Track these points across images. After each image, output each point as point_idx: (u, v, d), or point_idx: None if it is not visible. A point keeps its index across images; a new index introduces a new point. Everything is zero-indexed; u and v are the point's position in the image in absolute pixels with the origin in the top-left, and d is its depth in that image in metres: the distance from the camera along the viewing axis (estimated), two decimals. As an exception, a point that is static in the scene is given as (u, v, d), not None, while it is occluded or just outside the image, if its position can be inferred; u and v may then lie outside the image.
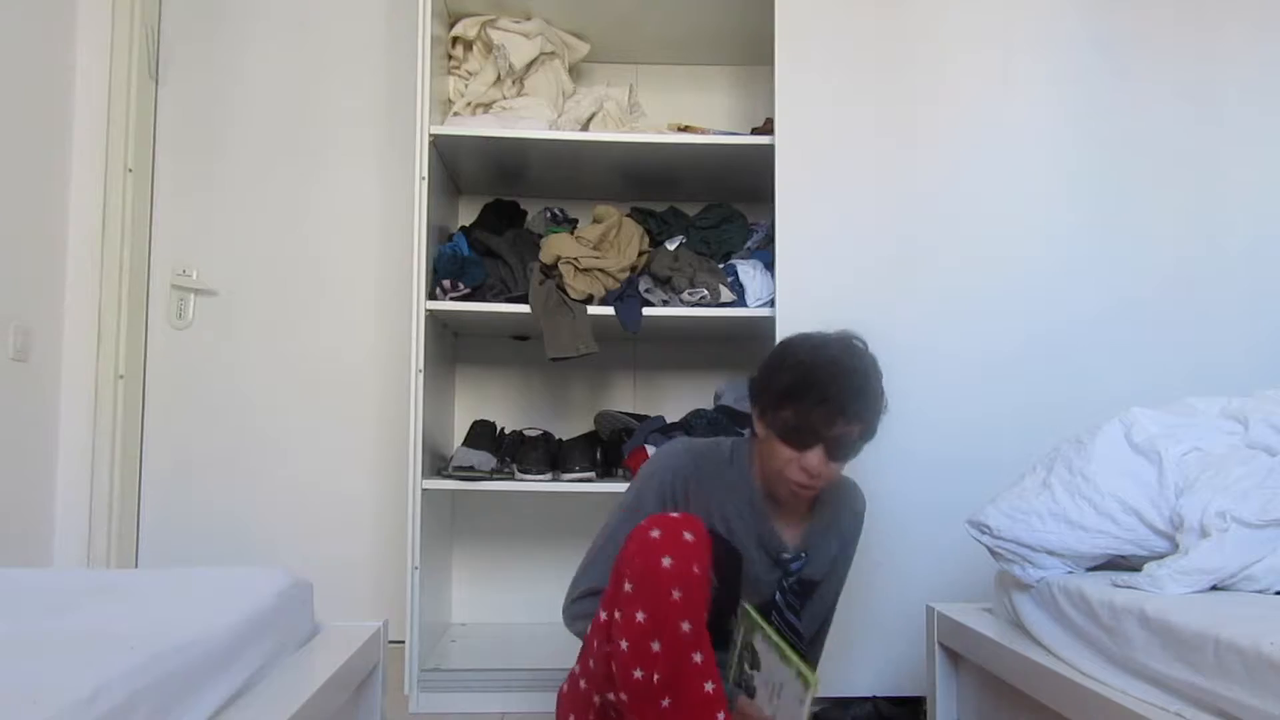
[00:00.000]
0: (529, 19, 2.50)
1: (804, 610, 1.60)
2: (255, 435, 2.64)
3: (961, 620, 1.71)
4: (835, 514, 1.64)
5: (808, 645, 1.64)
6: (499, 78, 2.46)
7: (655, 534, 1.30)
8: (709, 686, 1.28)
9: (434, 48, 2.32)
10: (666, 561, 1.26)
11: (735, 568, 1.53)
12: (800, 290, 2.16)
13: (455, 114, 2.46)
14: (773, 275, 2.22)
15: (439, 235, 2.43)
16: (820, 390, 1.41)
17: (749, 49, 2.64)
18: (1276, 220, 2.23)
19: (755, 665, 1.38)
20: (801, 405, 1.42)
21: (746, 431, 1.80)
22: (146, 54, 2.59)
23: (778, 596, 1.57)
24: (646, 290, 2.31)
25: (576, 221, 2.54)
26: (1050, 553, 1.56)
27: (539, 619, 2.61)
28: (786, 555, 1.56)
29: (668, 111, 2.61)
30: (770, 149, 2.21)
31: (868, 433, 1.48)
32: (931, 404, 2.13)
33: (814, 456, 1.44)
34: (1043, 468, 1.68)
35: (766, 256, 2.31)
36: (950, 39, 2.25)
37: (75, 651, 0.94)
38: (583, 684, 1.40)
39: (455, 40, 2.53)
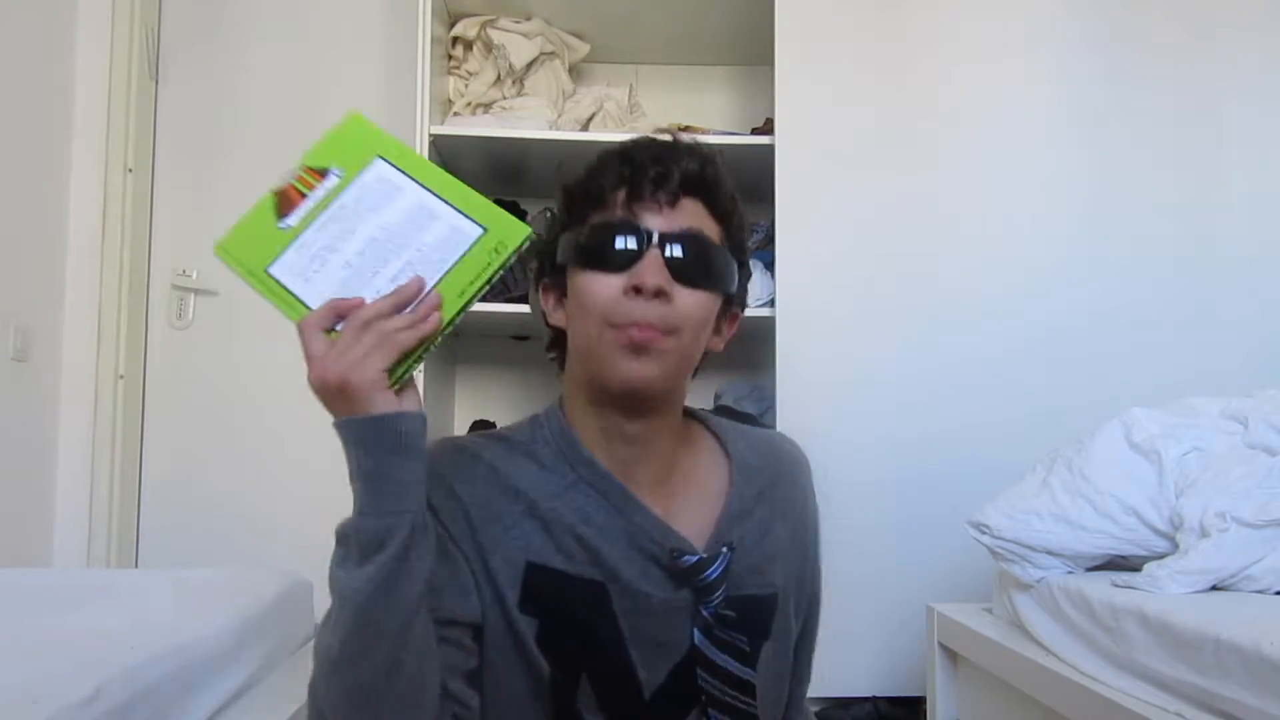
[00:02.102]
0: (529, 19, 2.50)
1: (761, 659, 0.88)
2: (255, 435, 2.64)
3: (961, 620, 1.71)
4: (763, 479, 0.93)
5: None
6: (499, 78, 2.46)
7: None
8: None
9: (434, 48, 2.32)
10: None
11: (596, 610, 0.84)
12: (800, 290, 2.16)
13: (455, 114, 2.46)
14: (772, 275, 2.22)
15: (439, 235, 2.43)
16: (618, 153, 0.87)
17: (749, 49, 2.64)
18: (1276, 221, 2.24)
19: None
20: (595, 179, 0.86)
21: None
22: (146, 54, 2.59)
23: (697, 638, 0.85)
24: (646, 290, 2.31)
25: (576, 221, 2.54)
26: (1050, 553, 1.56)
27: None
28: (690, 558, 0.84)
29: (668, 111, 2.61)
30: (770, 149, 2.21)
31: (727, 221, 0.88)
32: (932, 403, 2.13)
33: (642, 262, 0.81)
34: (1043, 468, 1.68)
35: (766, 256, 2.31)
36: (950, 40, 2.25)
37: (75, 651, 0.94)
38: None
39: (455, 40, 2.53)
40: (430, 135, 2.26)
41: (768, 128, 2.36)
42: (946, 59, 2.24)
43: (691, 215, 0.84)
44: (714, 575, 0.85)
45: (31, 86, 2.35)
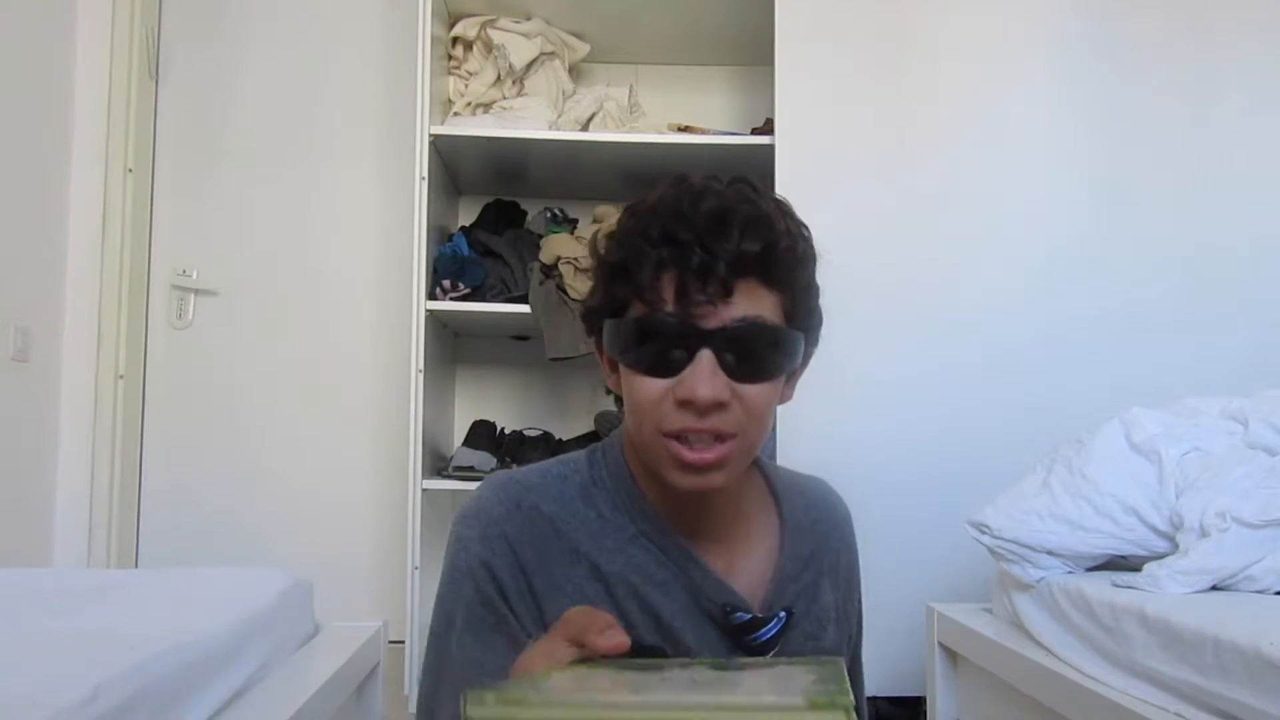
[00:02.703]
0: (529, 19, 2.50)
1: None
2: (255, 435, 2.64)
3: (961, 620, 1.71)
4: (813, 541, 0.90)
5: None
6: (499, 78, 2.46)
7: None
8: None
9: (434, 48, 2.32)
10: None
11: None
12: (800, 290, 2.16)
13: (455, 114, 2.46)
14: (773, 275, 2.22)
15: (439, 235, 2.43)
16: (660, 228, 0.72)
17: (749, 49, 2.64)
18: (1276, 220, 2.23)
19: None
20: (639, 261, 0.73)
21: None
22: (146, 54, 2.59)
23: None
24: (646, 290, 2.31)
25: (576, 221, 2.54)
26: (1050, 553, 1.56)
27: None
28: (742, 615, 0.81)
29: (668, 111, 2.61)
30: (770, 149, 2.21)
31: (791, 290, 0.75)
32: (932, 403, 2.13)
33: (692, 368, 0.71)
34: (1042, 468, 1.68)
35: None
36: (950, 40, 2.25)
37: (75, 651, 0.94)
38: None
39: (455, 40, 2.53)
40: (430, 135, 2.26)
41: (767, 128, 2.36)
42: (946, 59, 2.24)
43: (746, 300, 0.71)
44: (767, 637, 0.80)
45: (31, 86, 2.35)
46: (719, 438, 0.73)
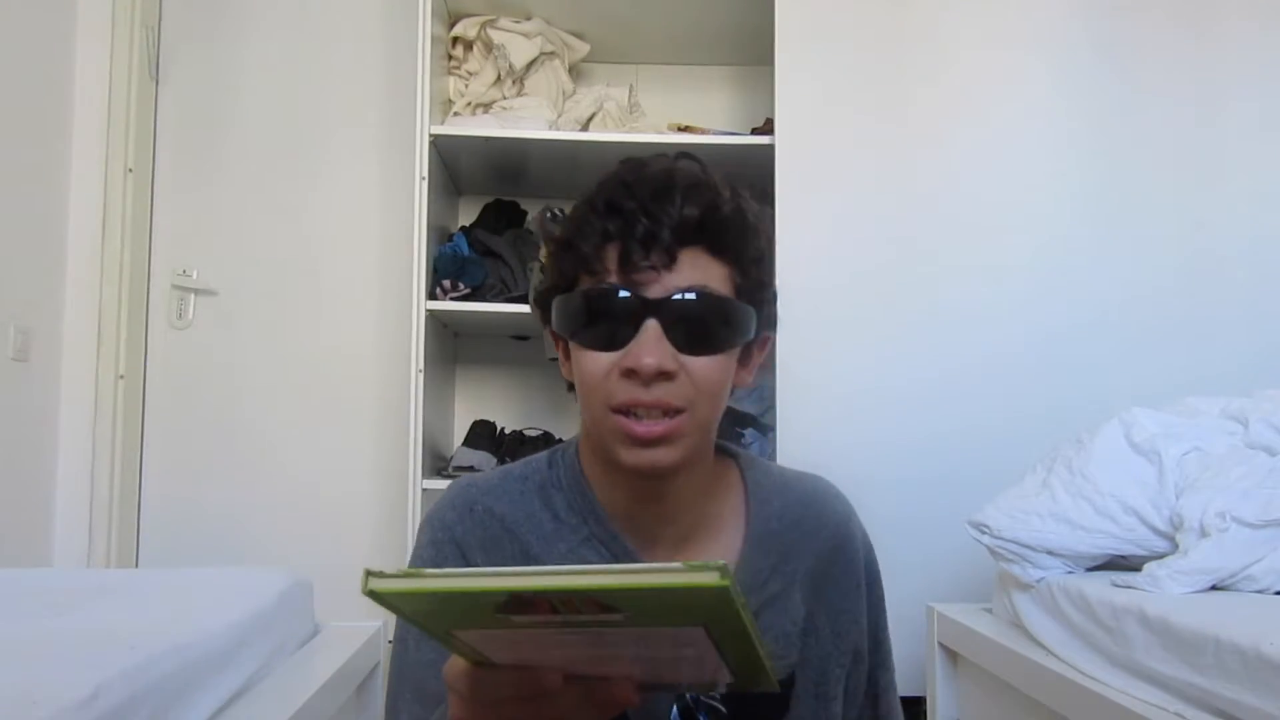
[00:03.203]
0: (529, 19, 2.50)
1: None
2: (255, 435, 2.64)
3: (961, 620, 1.71)
4: (782, 547, 0.82)
5: None
6: (499, 78, 2.46)
7: None
8: None
9: (434, 48, 2.32)
10: None
11: None
12: (799, 290, 2.16)
13: (455, 114, 2.46)
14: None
15: (439, 235, 2.43)
16: (605, 199, 0.73)
17: (749, 49, 2.64)
18: (1276, 220, 2.23)
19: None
20: (579, 236, 0.73)
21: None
22: (146, 54, 2.59)
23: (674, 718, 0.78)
24: (646, 290, 2.31)
25: (576, 221, 2.54)
26: (1050, 553, 1.56)
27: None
28: None
29: (668, 111, 2.61)
30: (770, 149, 2.21)
31: (739, 261, 0.74)
32: (931, 402, 2.13)
33: (638, 338, 0.70)
34: (1043, 467, 1.68)
35: (766, 256, 2.31)
36: (951, 40, 2.25)
37: (75, 651, 0.94)
38: None
39: (455, 40, 2.53)
40: (430, 135, 2.26)
41: (767, 128, 2.36)
42: (947, 59, 2.24)
43: (692, 269, 0.71)
44: None
45: (31, 86, 2.35)
46: (667, 412, 0.70)
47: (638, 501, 0.78)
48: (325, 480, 2.65)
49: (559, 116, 2.46)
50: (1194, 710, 1.14)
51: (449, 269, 2.27)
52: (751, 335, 0.75)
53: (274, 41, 2.71)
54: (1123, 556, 1.56)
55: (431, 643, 0.75)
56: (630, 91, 2.58)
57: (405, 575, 0.45)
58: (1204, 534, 1.42)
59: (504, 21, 2.48)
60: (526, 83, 2.49)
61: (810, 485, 0.88)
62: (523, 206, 2.64)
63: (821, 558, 0.83)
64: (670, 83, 2.78)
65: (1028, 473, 1.69)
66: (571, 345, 0.75)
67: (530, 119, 2.38)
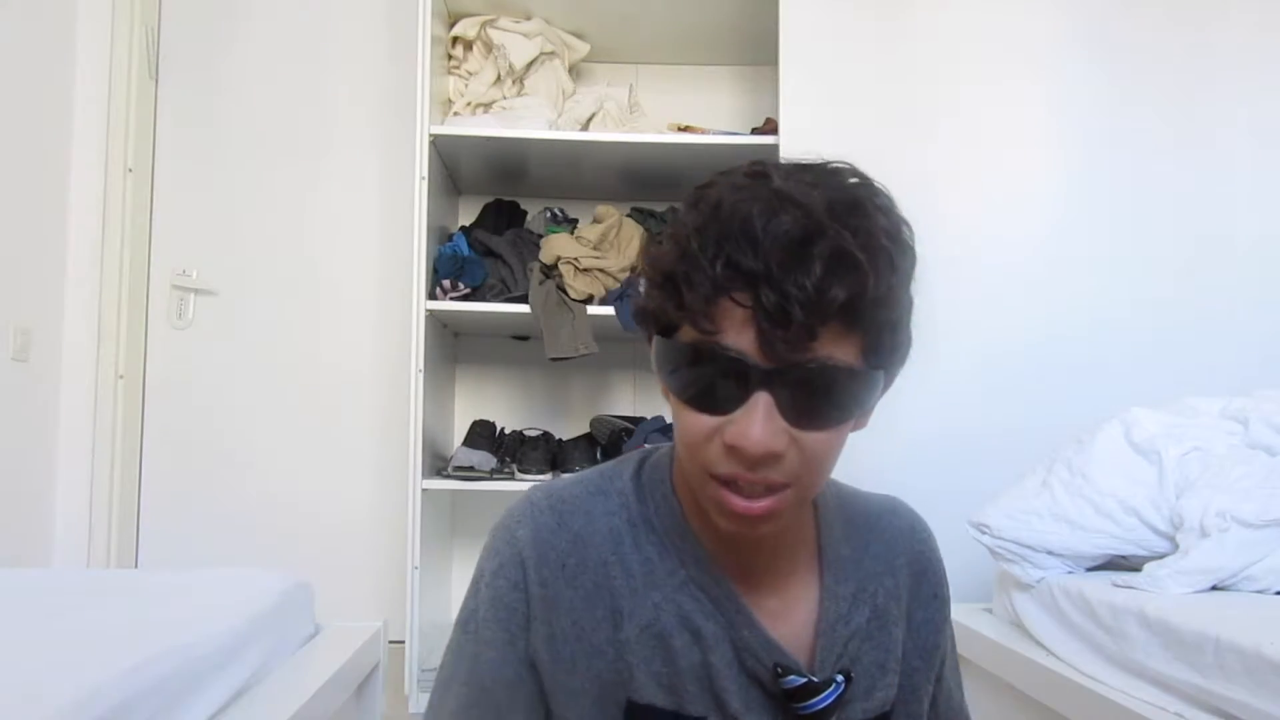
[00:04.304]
0: (529, 19, 2.50)
1: None
2: (255, 435, 2.64)
3: (962, 620, 1.71)
4: (860, 572, 0.76)
5: None
6: (499, 78, 2.46)
7: None
8: None
9: (434, 48, 2.32)
10: None
11: None
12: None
13: (455, 114, 2.46)
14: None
15: (439, 235, 2.43)
16: (724, 237, 0.60)
17: (749, 49, 2.64)
18: (1276, 221, 2.24)
19: None
20: (690, 280, 0.61)
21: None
22: (146, 54, 2.59)
23: None
24: (646, 290, 2.31)
25: (576, 221, 2.54)
26: (1050, 553, 1.56)
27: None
28: (794, 680, 0.70)
29: (668, 111, 2.61)
30: (771, 149, 2.21)
31: (876, 329, 0.62)
32: (931, 403, 2.13)
33: (745, 411, 0.60)
34: (1043, 467, 1.68)
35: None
36: (953, 40, 2.25)
37: (75, 651, 0.94)
38: None
39: (455, 40, 2.53)
40: (430, 135, 2.26)
41: (768, 128, 2.36)
42: (950, 60, 2.24)
43: (821, 343, 0.59)
44: (821, 705, 0.69)
45: (32, 86, 2.35)
46: (771, 488, 0.62)
47: (732, 539, 0.70)
48: (325, 480, 2.65)
49: (559, 116, 2.46)
50: (1194, 710, 1.14)
51: (449, 269, 2.27)
52: (876, 400, 0.65)
53: (274, 42, 2.71)
54: (1123, 556, 1.56)
55: (489, 644, 0.71)
56: (630, 91, 2.58)
57: None
58: (1204, 534, 1.42)
59: (504, 21, 2.48)
60: (526, 83, 2.49)
61: (876, 504, 0.81)
62: (523, 206, 2.64)
63: (900, 576, 0.77)
64: (670, 83, 2.78)
65: (1028, 473, 1.69)
66: (673, 397, 0.65)
67: (530, 119, 2.38)
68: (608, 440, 2.41)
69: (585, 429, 2.56)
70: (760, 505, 0.62)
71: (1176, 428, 1.64)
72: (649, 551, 0.71)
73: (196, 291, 2.64)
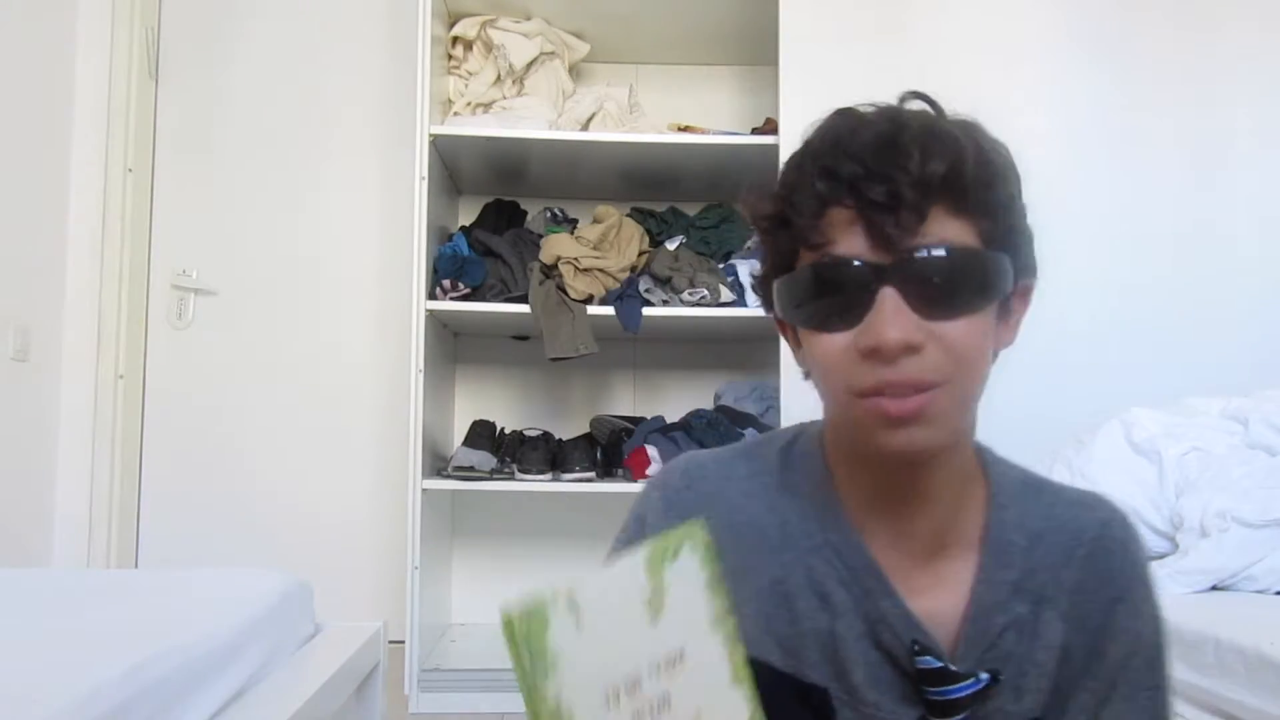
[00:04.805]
0: (529, 19, 2.50)
1: None
2: (255, 435, 2.64)
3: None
4: (1025, 562, 0.70)
5: None
6: (499, 78, 2.46)
7: None
8: None
9: (434, 48, 2.32)
10: None
11: None
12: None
13: (455, 114, 2.46)
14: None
15: (439, 235, 2.43)
16: (821, 160, 0.63)
17: (749, 49, 2.64)
18: (1276, 220, 2.24)
19: None
20: (794, 200, 0.64)
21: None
22: (146, 54, 2.59)
23: None
24: (646, 290, 2.31)
25: (576, 221, 2.54)
26: (1050, 553, 1.56)
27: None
28: (930, 661, 0.67)
29: (668, 111, 2.61)
30: (770, 149, 2.21)
31: (987, 212, 0.63)
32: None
33: (874, 312, 0.61)
34: (1042, 468, 1.68)
35: (767, 256, 2.31)
36: (952, 40, 2.25)
37: (75, 651, 0.94)
38: None
39: (455, 40, 2.53)
40: (430, 135, 2.26)
41: (768, 127, 2.36)
42: (950, 59, 2.24)
43: (934, 225, 0.60)
44: (958, 695, 0.65)
45: (32, 86, 2.35)
46: (919, 388, 0.60)
47: (887, 499, 0.69)
48: (325, 480, 2.65)
49: (559, 116, 2.46)
50: (1194, 710, 1.14)
51: (449, 269, 2.27)
52: (1008, 287, 0.64)
53: (274, 42, 2.71)
54: (1123, 556, 1.56)
55: None
56: (630, 91, 2.58)
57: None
58: (1204, 534, 1.42)
59: (504, 21, 2.48)
60: (526, 83, 2.49)
61: (1070, 497, 0.74)
62: (523, 206, 2.64)
63: (1077, 572, 0.69)
64: (670, 83, 2.78)
65: (1028, 473, 1.69)
66: (801, 332, 0.66)
67: (530, 119, 2.38)
68: (608, 440, 2.41)
69: (585, 429, 2.56)
70: (912, 402, 0.60)
71: (1176, 428, 1.64)
72: (787, 514, 0.71)
73: (196, 291, 2.64)
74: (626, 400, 2.77)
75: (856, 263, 0.60)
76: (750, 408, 2.43)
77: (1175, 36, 2.26)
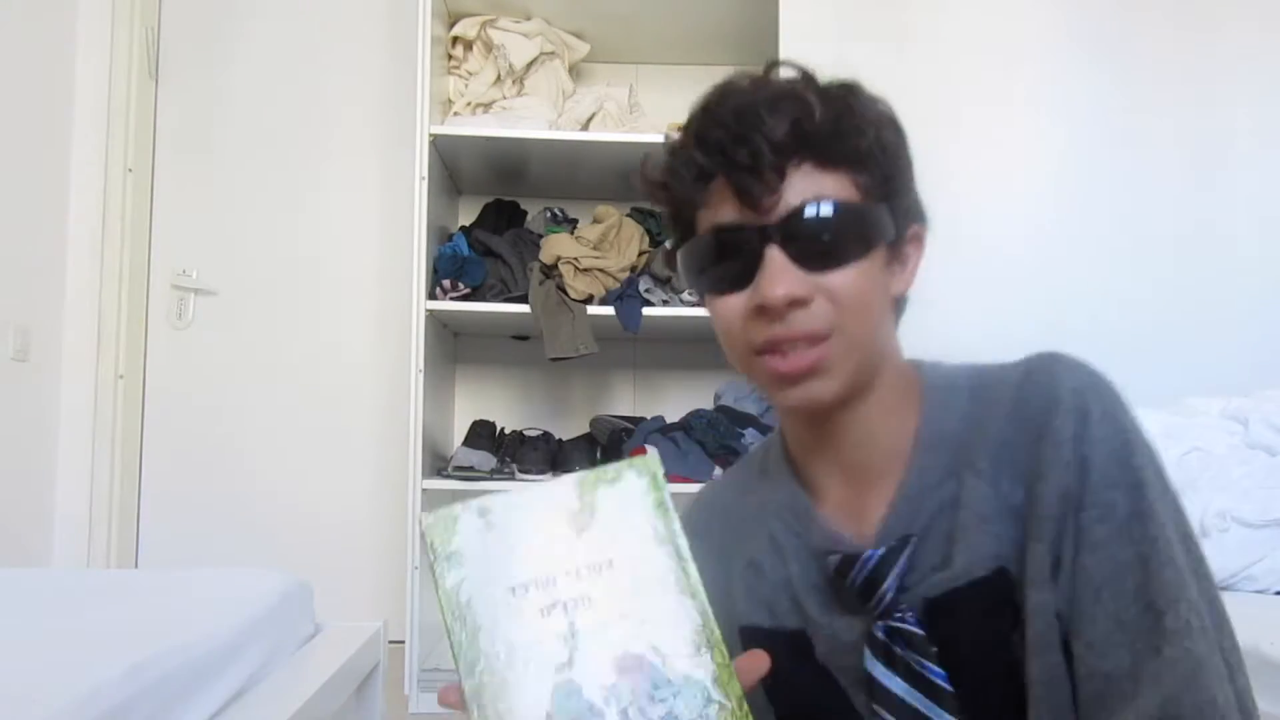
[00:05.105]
0: (529, 19, 2.50)
1: (1028, 655, 0.62)
2: (255, 435, 2.64)
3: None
4: (962, 439, 0.69)
5: None
6: (499, 78, 2.46)
7: None
8: None
9: (434, 48, 2.32)
10: None
11: (803, 665, 0.71)
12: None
13: (455, 114, 2.46)
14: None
15: (439, 235, 2.43)
16: (693, 132, 0.69)
17: (749, 49, 2.64)
18: (1276, 221, 2.24)
19: None
20: (673, 181, 0.69)
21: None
22: (146, 54, 2.59)
23: (868, 661, 0.67)
24: (646, 290, 2.31)
25: (576, 221, 2.54)
26: (1050, 553, 1.56)
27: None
28: (834, 556, 0.68)
29: (668, 111, 2.60)
30: (770, 149, 2.21)
31: (857, 161, 0.66)
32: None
33: (761, 271, 0.64)
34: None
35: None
36: (952, 40, 2.25)
37: (75, 651, 0.94)
38: None
39: (455, 40, 2.53)
40: (430, 135, 2.26)
41: (768, 128, 2.36)
42: (950, 59, 2.24)
43: (805, 183, 0.64)
44: (870, 563, 0.65)
45: (32, 86, 2.35)
46: (813, 341, 0.63)
47: (821, 443, 0.72)
48: (325, 480, 2.65)
49: (559, 116, 2.46)
50: (1194, 710, 1.14)
51: (449, 269, 2.27)
52: (891, 234, 0.68)
53: (274, 42, 2.71)
54: (1123, 556, 1.56)
55: None
56: (630, 91, 2.58)
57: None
58: (1204, 534, 1.42)
59: (504, 21, 2.48)
60: (526, 83, 2.49)
61: (1004, 366, 0.71)
62: (523, 206, 2.64)
63: (1003, 427, 0.67)
64: (670, 83, 2.78)
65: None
66: (705, 297, 0.69)
67: (530, 119, 2.38)
68: (608, 440, 2.41)
69: (585, 429, 2.56)
70: (805, 359, 0.64)
71: (1176, 428, 1.64)
72: (762, 495, 0.77)
73: (196, 291, 2.64)
74: (626, 400, 2.77)
75: (741, 227, 0.64)
76: (750, 408, 2.43)
77: (1175, 37, 2.26)
